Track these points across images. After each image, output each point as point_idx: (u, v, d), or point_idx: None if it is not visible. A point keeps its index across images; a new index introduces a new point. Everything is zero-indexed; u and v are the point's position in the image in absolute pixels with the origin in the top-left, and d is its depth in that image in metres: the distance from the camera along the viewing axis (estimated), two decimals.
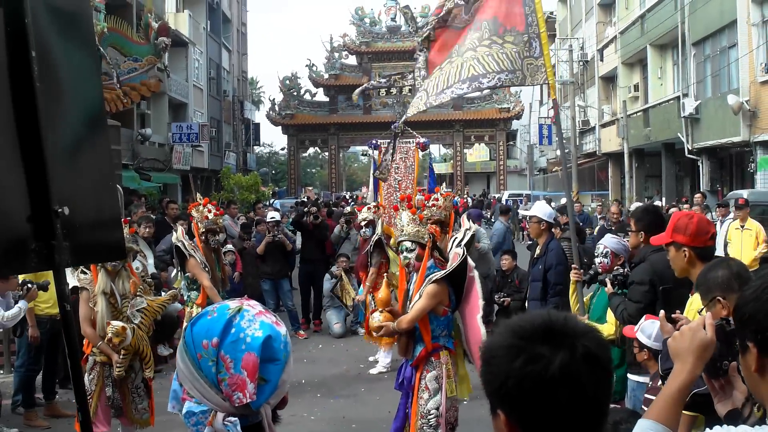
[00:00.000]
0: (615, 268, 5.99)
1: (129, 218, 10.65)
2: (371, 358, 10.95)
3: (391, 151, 10.25)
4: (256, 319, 1.68)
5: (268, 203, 26.81)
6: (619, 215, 15.34)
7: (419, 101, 7.24)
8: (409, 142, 11.09)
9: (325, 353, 11.78)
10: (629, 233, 6.06)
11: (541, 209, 8.11)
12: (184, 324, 4.60)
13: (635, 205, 17.24)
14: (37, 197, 1.95)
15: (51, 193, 1.94)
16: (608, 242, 6.35)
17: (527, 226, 11.74)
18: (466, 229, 6.34)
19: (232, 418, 1.62)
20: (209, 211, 8.56)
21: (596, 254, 6.46)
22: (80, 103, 2.28)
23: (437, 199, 7.31)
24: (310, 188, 48.06)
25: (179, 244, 8.19)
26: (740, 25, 21.91)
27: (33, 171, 1.94)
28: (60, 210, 1.98)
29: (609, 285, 5.71)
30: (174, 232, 8.69)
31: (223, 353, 1.62)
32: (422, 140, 11.34)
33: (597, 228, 18.14)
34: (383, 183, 11.05)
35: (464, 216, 8.06)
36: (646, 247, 5.51)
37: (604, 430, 1.55)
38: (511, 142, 56.49)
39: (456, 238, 6.27)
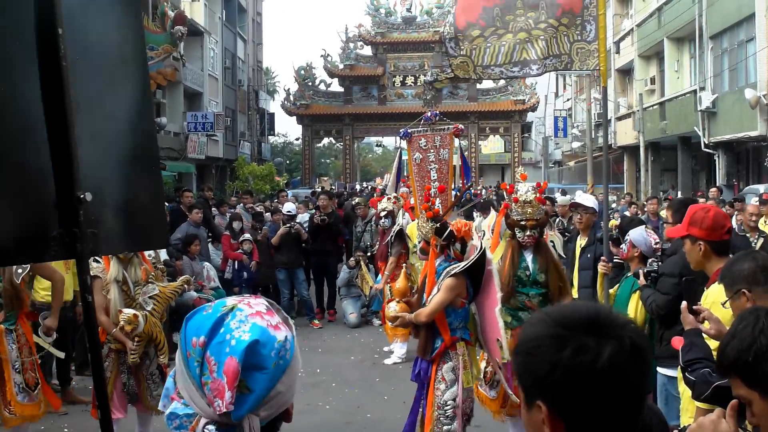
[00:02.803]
0: (649, 262, 5.94)
1: None
2: (386, 349, 10.92)
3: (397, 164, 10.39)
4: (248, 321, 1.58)
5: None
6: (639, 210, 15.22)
7: (467, 67, 6.99)
8: (443, 129, 10.96)
9: (340, 343, 11.76)
10: (665, 225, 6.04)
11: (590, 200, 8.35)
12: None
13: (643, 199, 17.13)
14: (63, 183, 1.88)
15: (75, 179, 1.87)
16: (633, 234, 6.31)
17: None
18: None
19: (210, 426, 1.53)
20: None
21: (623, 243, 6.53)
22: (120, 84, 2.21)
23: (540, 191, 6.61)
24: (326, 178, 48.03)
25: None
26: (758, 19, 21.70)
27: (60, 155, 1.87)
28: (83, 196, 1.90)
29: (642, 278, 5.69)
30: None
31: (208, 354, 1.53)
32: (459, 125, 11.21)
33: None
34: (414, 173, 10.95)
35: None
36: (677, 240, 5.45)
37: (640, 421, 1.55)
38: (526, 134, 56.14)
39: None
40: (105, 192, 2.01)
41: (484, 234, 7.25)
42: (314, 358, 10.76)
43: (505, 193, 7.16)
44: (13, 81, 1.84)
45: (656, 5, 31.16)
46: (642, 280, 5.69)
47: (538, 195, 6.27)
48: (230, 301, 1.65)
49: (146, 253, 7.29)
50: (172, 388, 1.62)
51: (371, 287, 12.07)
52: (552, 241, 6.58)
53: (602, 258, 6.92)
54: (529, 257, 6.22)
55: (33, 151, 1.84)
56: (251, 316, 1.59)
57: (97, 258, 7.06)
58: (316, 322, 13.29)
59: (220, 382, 1.50)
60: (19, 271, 6.12)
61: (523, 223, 6.12)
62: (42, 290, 8.51)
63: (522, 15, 6.72)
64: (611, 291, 6.54)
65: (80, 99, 1.89)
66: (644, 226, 6.73)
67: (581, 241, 7.97)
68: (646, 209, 16.41)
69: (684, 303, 3.57)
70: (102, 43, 2.16)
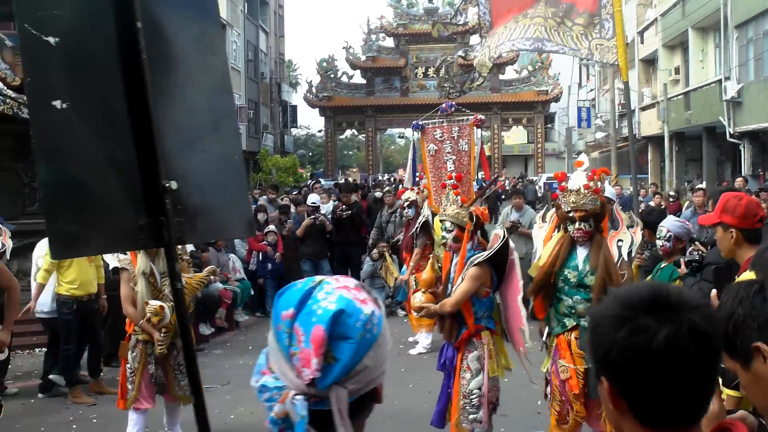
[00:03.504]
0: (690, 251, 5.91)
1: None
2: (411, 339, 10.98)
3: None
4: (334, 293, 1.59)
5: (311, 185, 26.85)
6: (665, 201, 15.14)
7: (484, 57, 7.11)
8: (462, 120, 10.96)
9: None
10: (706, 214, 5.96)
11: (608, 189, 8.05)
12: None
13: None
14: (148, 173, 1.92)
15: (160, 169, 1.90)
16: (670, 225, 6.26)
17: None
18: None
19: (299, 397, 1.53)
20: None
21: (658, 236, 6.41)
22: (200, 75, 2.23)
23: (590, 178, 5.63)
24: (354, 169, 48.14)
25: None
26: None
27: (143, 146, 1.91)
28: (168, 185, 1.94)
29: (683, 266, 5.67)
30: None
31: (297, 325, 1.54)
32: (480, 116, 11.24)
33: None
34: (428, 164, 10.98)
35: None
36: None
37: (709, 402, 1.56)
38: (549, 125, 55.96)
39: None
40: (189, 181, 2.04)
41: (531, 226, 6.93)
42: None
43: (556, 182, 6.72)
44: (97, 76, 1.88)
45: None
46: (683, 269, 5.67)
47: (586, 183, 5.52)
48: (318, 277, 1.68)
49: None
50: (263, 364, 1.65)
51: (396, 278, 12.10)
52: (620, 240, 5.99)
53: (637, 251, 6.83)
54: (581, 255, 5.55)
55: (118, 142, 1.88)
56: (338, 289, 1.61)
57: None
58: None
59: (307, 351, 1.52)
60: None
61: (571, 214, 5.47)
62: (66, 284, 8.62)
63: (542, 7, 6.80)
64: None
65: (160, 91, 1.92)
66: (672, 216, 6.67)
67: None
68: (693, 201, 16.30)
69: (714, 291, 3.57)
70: (180, 36, 2.19)
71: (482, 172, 11.67)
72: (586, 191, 5.43)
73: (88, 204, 1.90)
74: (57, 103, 1.83)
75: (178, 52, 2.16)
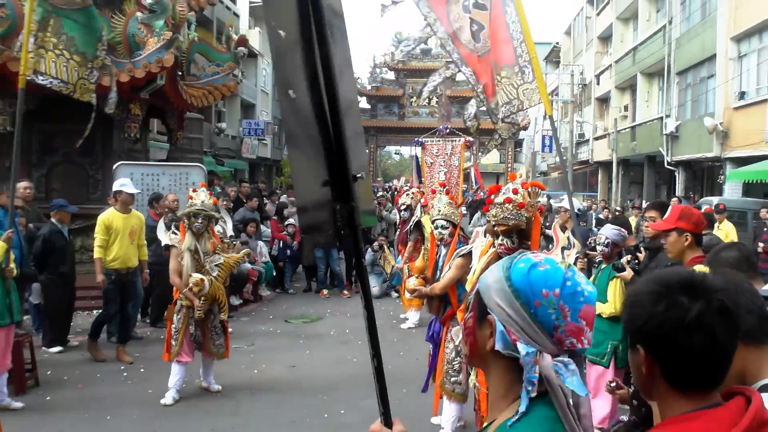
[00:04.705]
0: (626, 257, 5.85)
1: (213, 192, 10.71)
2: (402, 316, 11.00)
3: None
4: (582, 278, 1.55)
5: None
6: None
7: (498, 120, 7.10)
8: (455, 140, 11.08)
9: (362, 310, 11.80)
10: (648, 223, 5.91)
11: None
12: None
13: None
14: (334, 165, 1.82)
15: (349, 161, 1.82)
16: (609, 233, 6.02)
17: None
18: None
19: (565, 358, 1.50)
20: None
21: (597, 243, 6.21)
22: (347, 70, 2.07)
23: (515, 192, 4.44)
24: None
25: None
26: (719, 59, 21.51)
27: (331, 142, 1.81)
28: (359, 175, 1.86)
29: (628, 269, 5.62)
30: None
31: (562, 303, 1.49)
32: (469, 139, 11.36)
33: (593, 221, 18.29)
34: (426, 173, 11.08)
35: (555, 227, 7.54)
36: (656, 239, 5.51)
37: (728, 372, 1.53)
38: (519, 149, 55.91)
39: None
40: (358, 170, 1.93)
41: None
42: (344, 321, 10.85)
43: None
44: (300, 83, 1.81)
45: (632, 45, 31.12)
46: (629, 271, 5.62)
47: (509, 196, 4.41)
48: (557, 258, 1.61)
49: (216, 229, 7.37)
50: (505, 333, 1.57)
51: (392, 266, 12.15)
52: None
53: (577, 256, 6.64)
54: None
55: (316, 138, 1.82)
56: (581, 274, 1.58)
57: (174, 231, 7.18)
58: (346, 292, 13.35)
59: (575, 325, 1.49)
60: None
61: (495, 228, 4.49)
62: (110, 259, 8.52)
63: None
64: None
65: (338, 90, 1.83)
66: (610, 224, 6.51)
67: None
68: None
69: None
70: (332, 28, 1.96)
71: (466, 183, 11.82)
72: (507, 205, 4.37)
73: (307, 184, 1.88)
74: (291, 92, 1.80)
75: (337, 59, 1.98)
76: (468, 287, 4.66)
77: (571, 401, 1.47)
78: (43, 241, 8.48)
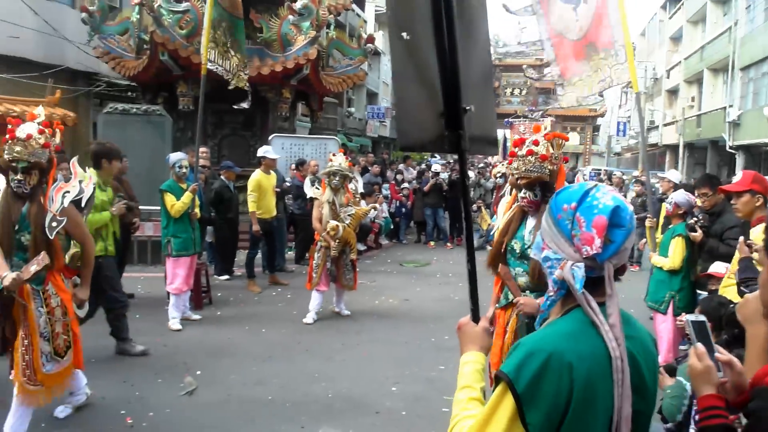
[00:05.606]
0: (693, 220, 5.57)
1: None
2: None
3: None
4: (608, 194, 1.48)
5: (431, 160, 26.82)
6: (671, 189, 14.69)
7: (571, 96, 6.98)
8: (538, 120, 11.01)
9: (464, 260, 11.89)
10: (705, 196, 5.64)
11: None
12: None
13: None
14: (449, 98, 1.77)
15: (461, 95, 1.77)
16: (677, 196, 5.79)
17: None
18: None
19: (579, 263, 1.44)
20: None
21: (667, 202, 5.95)
22: (478, 20, 2.02)
23: (536, 143, 3.55)
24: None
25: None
26: None
27: (448, 78, 1.77)
28: (469, 108, 1.79)
29: (699, 231, 5.40)
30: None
31: (578, 214, 1.45)
32: (553, 118, 11.19)
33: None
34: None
35: None
36: (723, 202, 5.27)
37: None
38: (596, 132, 53.70)
39: None
40: (473, 110, 1.85)
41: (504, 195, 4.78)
42: (447, 267, 11.04)
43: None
44: (423, 16, 1.76)
45: (700, 44, 29.64)
46: (699, 233, 5.39)
47: (530, 148, 3.55)
48: (592, 182, 1.56)
49: (350, 186, 7.50)
50: (541, 242, 1.55)
51: (488, 224, 12.16)
52: None
53: (648, 216, 6.47)
54: (529, 226, 3.65)
55: (433, 72, 1.77)
56: (611, 191, 1.50)
57: (317, 186, 7.50)
58: (449, 244, 13.44)
59: (588, 234, 1.43)
60: (54, 224, 3.90)
61: (518, 181, 3.65)
62: (259, 211, 8.59)
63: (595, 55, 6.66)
64: (657, 238, 6.13)
65: (461, 31, 1.77)
66: (681, 190, 6.26)
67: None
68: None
69: (741, 237, 3.48)
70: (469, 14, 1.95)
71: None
72: (530, 157, 3.53)
73: (413, 113, 1.78)
74: (404, 35, 1.70)
75: (471, 23, 1.96)
76: (495, 238, 3.89)
77: (601, 315, 1.42)
78: (215, 193, 8.86)
